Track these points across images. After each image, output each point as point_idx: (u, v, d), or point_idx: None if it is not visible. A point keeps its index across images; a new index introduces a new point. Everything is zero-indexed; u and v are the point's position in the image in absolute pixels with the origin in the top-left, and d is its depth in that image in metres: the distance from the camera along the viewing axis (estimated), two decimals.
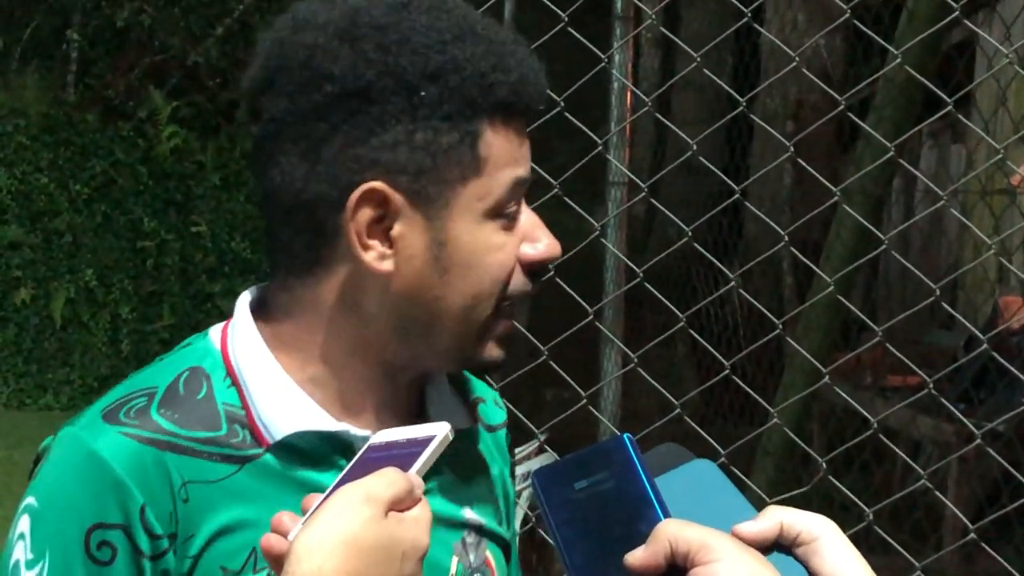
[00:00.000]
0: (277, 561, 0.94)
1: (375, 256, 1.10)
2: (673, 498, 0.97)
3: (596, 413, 2.92)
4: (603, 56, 2.79)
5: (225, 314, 1.22)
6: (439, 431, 1.03)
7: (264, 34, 1.15)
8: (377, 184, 1.08)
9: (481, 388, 1.35)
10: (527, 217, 1.17)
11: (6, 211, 9.43)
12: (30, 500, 1.07)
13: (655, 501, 0.96)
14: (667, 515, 0.95)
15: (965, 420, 2.60)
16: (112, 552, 1.05)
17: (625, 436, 1.00)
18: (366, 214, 1.09)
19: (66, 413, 9.17)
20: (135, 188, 9.74)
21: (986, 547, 2.37)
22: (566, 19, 2.64)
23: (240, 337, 1.16)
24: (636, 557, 0.93)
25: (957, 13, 2.44)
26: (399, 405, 1.20)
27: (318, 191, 1.09)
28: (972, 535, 2.32)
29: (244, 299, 1.20)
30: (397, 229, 1.10)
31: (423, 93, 1.08)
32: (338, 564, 0.91)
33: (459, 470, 1.25)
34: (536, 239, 1.16)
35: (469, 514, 1.26)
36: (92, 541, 1.04)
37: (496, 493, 1.34)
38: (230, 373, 1.14)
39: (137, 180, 9.74)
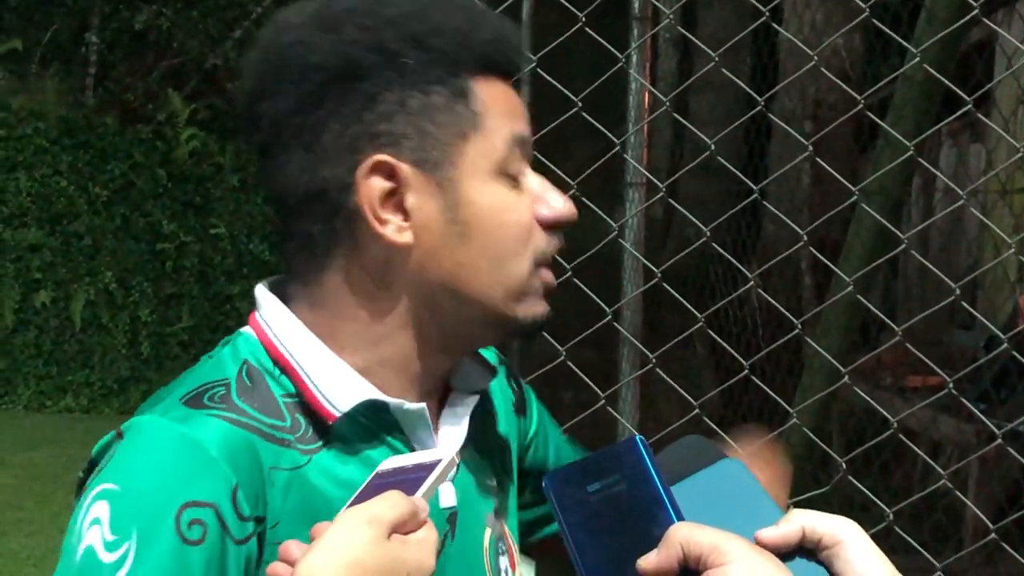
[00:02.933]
0: None
1: (393, 229, 1.11)
2: (699, 500, 0.97)
3: (615, 414, 2.91)
4: (620, 56, 2.79)
5: (244, 316, 1.22)
6: (445, 455, 1.03)
7: (250, 53, 1.17)
8: (381, 156, 1.10)
9: None
10: (535, 180, 1.18)
11: (26, 214, 9.47)
12: (106, 486, 1.01)
13: (668, 503, 0.95)
14: (680, 517, 0.95)
15: (986, 420, 2.59)
16: (203, 530, 1.00)
17: (637, 437, 0.99)
18: (376, 188, 1.10)
19: (86, 415, 9.22)
20: (154, 191, 9.77)
21: (1007, 548, 2.36)
22: (583, 19, 2.63)
23: (280, 325, 1.16)
24: (649, 562, 0.93)
25: (977, 12, 2.43)
26: (436, 379, 1.21)
27: (325, 176, 1.11)
28: (993, 535, 2.31)
29: (265, 291, 1.20)
30: (410, 200, 1.11)
31: (408, 60, 1.10)
32: None
33: (483, 442, 1.27)
34: (548, 200, 1.17)
35: (493, 483, 1.28)
36: (184, 519, 1.00)
37: (511, 460, 1.35)
38: (279, 361, 1.14)
39: (156, 183, 9.78)
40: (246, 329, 1.19)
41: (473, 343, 1.21)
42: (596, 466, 1.00)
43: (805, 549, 0.95)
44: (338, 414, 1.12)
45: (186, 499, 1.00)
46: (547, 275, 1.18)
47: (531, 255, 1.15)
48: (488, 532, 1.24)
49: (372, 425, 1.14)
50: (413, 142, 1.10)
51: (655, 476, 0.97)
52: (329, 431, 1.12)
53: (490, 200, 1.12)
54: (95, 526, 0.99)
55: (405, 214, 1.11)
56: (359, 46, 1.09)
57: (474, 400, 1.23)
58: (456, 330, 1.17)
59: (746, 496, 1.00)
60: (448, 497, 1.18)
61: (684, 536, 0.92)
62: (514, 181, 1.15)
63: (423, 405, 1.15)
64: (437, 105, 1.11)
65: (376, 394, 1.13)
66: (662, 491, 0.96)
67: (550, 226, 1.17)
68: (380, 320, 1.15)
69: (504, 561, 1.27)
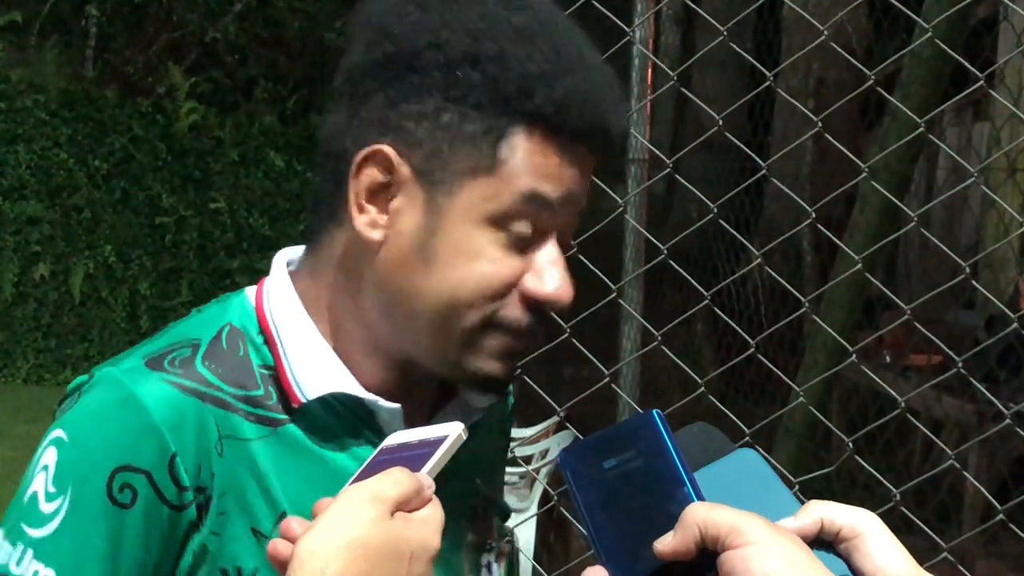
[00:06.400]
0: (284, 567, 0.91)
1: (366, 221, 1.09)
2: (715, 490, 0.94)
3: (618, 390, 2.89)
4: (628, 30, 2.76)
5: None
6: (452, 431, 1.00)
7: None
8: (386, 148, 1.07)
9: None
10: (549, 253, 1.10)
11: (25, 186, 9.45)
12: (59, 433, 1.07)
13: (686, 480, 0.93)
14: (698, 494, 0.92)
15: (994, 400, 2.57)
16: (133, 495, 1.03)
17: (654, 412, 0.97)
18: (369, 176, 1.08)
19: None
20: (154, 164, 9.75)
21: (1013, 527, 2.35)
22: None
23: (276, 295, 1.16)
24: (665, 544, 0.90)
25: None
26: (425, 391, 1.19)
27: (344, 144, 1.10)
28: (1001, 516, 2.30)
29: (281, 257, 1.21)
30: (396, 202, 1.08)
31: (460, 74, 1.05)
32: (342, 566, 0.88)
33: (471, 454, 1.24)
34: (543, 276, 1.09)
35: (477, 497, 1.27)
36: (115, 482, 1.03)
37: (500, 471, 1.36)
38: (264, 331, 1.14)
39: (156, 156, 9.75)
40: (248, 290, 1.19)
41: (431, 368, 1.15)
42: (612, 441, 0.98)
43: (823, 541, 0.93)
44: (303, 399, 1.11)
45: (119, 463, 1.03)
46: (506, 340, 1.11)
47: (487, 315, 1.09)
48: (465, 549, 1.22)
49: (347, 414, 1.13)
50: (426, 152, 1.07)
51: (673, 452, 0.94)
52: (295, 411, 1.12)
53: (469, 244, 1.07)
54: (42, 473, 1.05)
55: (386, 212, 1.09)
56: (427, 37, 1.06)
57: (475, 417, 1.21)
58: (412, 348, 1.13)
59: (763, 486, 0.98)
60: None
61: (701, 517, 0.89)
62: (514, 239, 1.08)
63: (398, 406, 1.13)
64: (465, 132, 1.06)
65: (349, 386, 1.12)
66: (680, 468, 0.93)
67: (530, 301, 1.10)
68: (349, 304, 1.14)
69: (495, 569, 1.26)
